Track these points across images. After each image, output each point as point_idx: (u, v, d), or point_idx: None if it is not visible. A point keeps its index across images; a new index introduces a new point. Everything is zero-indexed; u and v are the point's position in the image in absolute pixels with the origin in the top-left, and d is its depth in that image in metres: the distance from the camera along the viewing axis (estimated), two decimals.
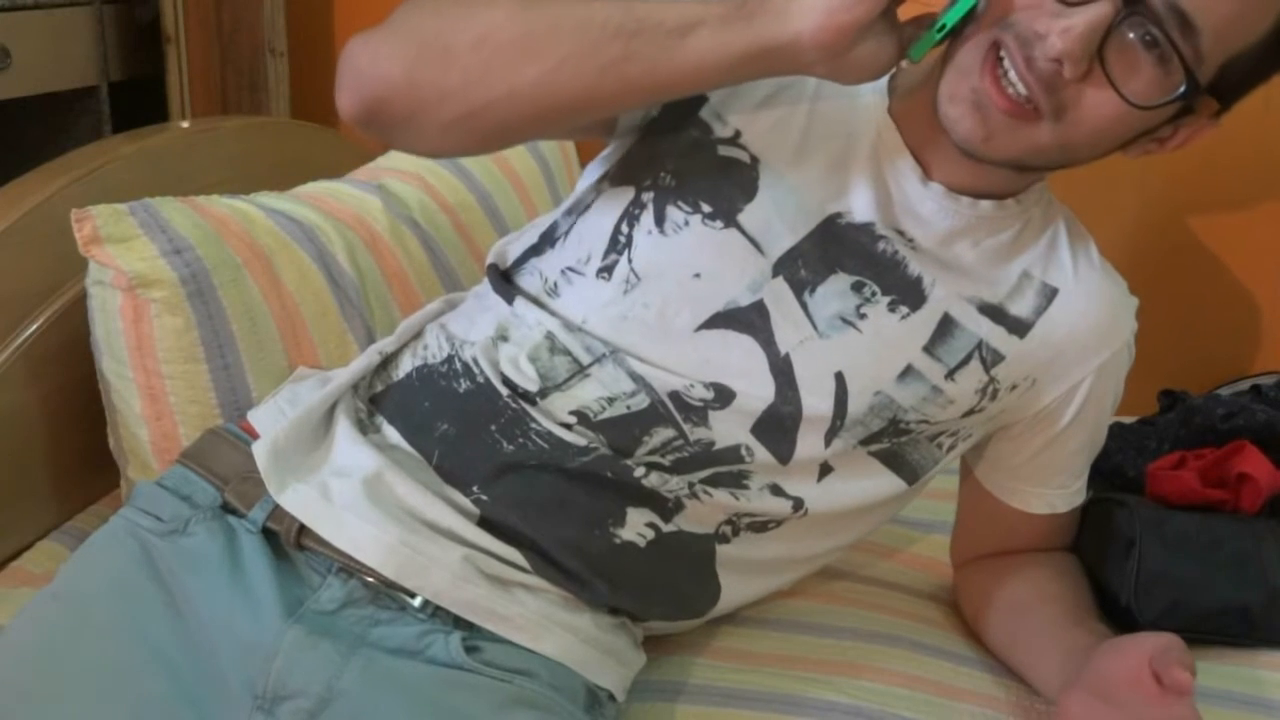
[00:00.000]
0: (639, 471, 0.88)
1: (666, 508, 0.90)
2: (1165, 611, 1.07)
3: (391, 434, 0.93)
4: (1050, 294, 0.95)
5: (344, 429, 0.92)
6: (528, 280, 0.96)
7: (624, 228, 0.91)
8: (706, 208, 0.89)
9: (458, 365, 0.92)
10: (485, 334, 0.93)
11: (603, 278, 0.91)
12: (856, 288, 0.90)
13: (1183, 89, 0.81)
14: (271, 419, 0.96)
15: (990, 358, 0.94)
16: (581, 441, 0.88)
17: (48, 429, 1.19)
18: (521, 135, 0.92)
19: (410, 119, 0.84)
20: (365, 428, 0.93)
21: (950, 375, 0.93)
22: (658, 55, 0.78)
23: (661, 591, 0.95)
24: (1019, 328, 0.94)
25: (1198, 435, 1.30)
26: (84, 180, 1.22)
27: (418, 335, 1.00)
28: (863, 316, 0.90)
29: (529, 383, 0.89)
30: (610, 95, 0.81)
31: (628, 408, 0.88)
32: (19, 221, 1.16)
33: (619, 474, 0.88)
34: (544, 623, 0.88)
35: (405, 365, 0.96)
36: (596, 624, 0.92)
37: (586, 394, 0.89)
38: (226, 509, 0.91)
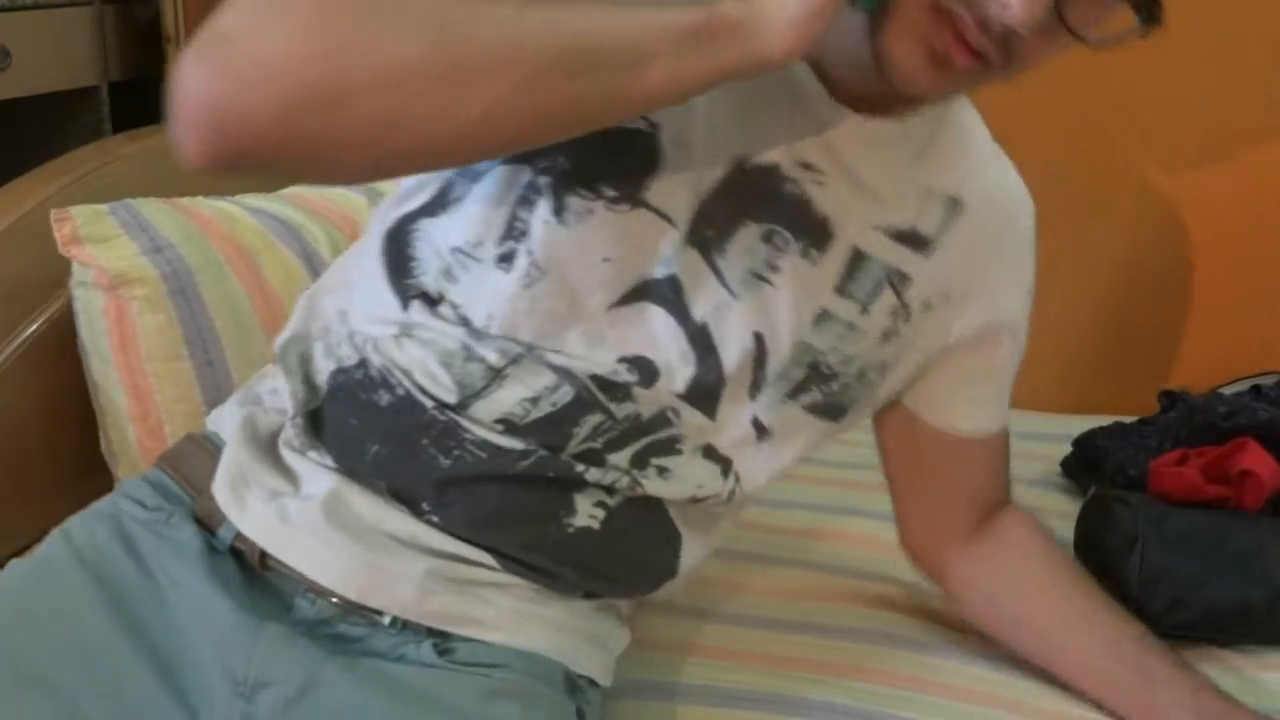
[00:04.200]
0: (579, 468, 0.86)
1: (612, 490, 0.89)
2: (1167, 609, 1.07)
3: (330, 461, 0.90)
4: (953, 205, 0.92)
5: (290, 456, 0.90)
6: (422, 253, 0.87)
7: (519, 213, 0.84)
8: (610, 191, 0.84)
9: (373, 373, 0.87)
10: (386, 331, 0.87)
11: (502, 268, 0.85)
12: (766, 238, 0.86)
13: (1141, 18, 0.78)
14: (231, 423, 0.93)
15: (899, 281, 0.91)
16: (519, 445, 0.86)
17: (47, 428, 1.19)
18: (463, 164, 0.84)
19: (295, 171, 0.76)
20: (307, 449, 0.90)
21: (865, 310, 0.90)
22: (610, 94, 0.69)
23: (629, 564, 0.93)
24: (925, 245, 0.92)
25: (1199, 433, 1.30)
26: (84, 180, 1.22)
27: (316, 317, 0.93)
28: (775, 269, 0.87)
29: (447, 393, 0.85)
30: (551, 135, 0.74)
31: (553, 405, 0.85)
32: (19, 221, 1.16)
33: (561, 471, 0.86)
34: (517, 619, 0.87)
35: (322, 367, 0.90)
36: (572, 611, 0.91)
37: (508, 398, 0.85)
38: (199, 521, 0.90)
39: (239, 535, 0.87)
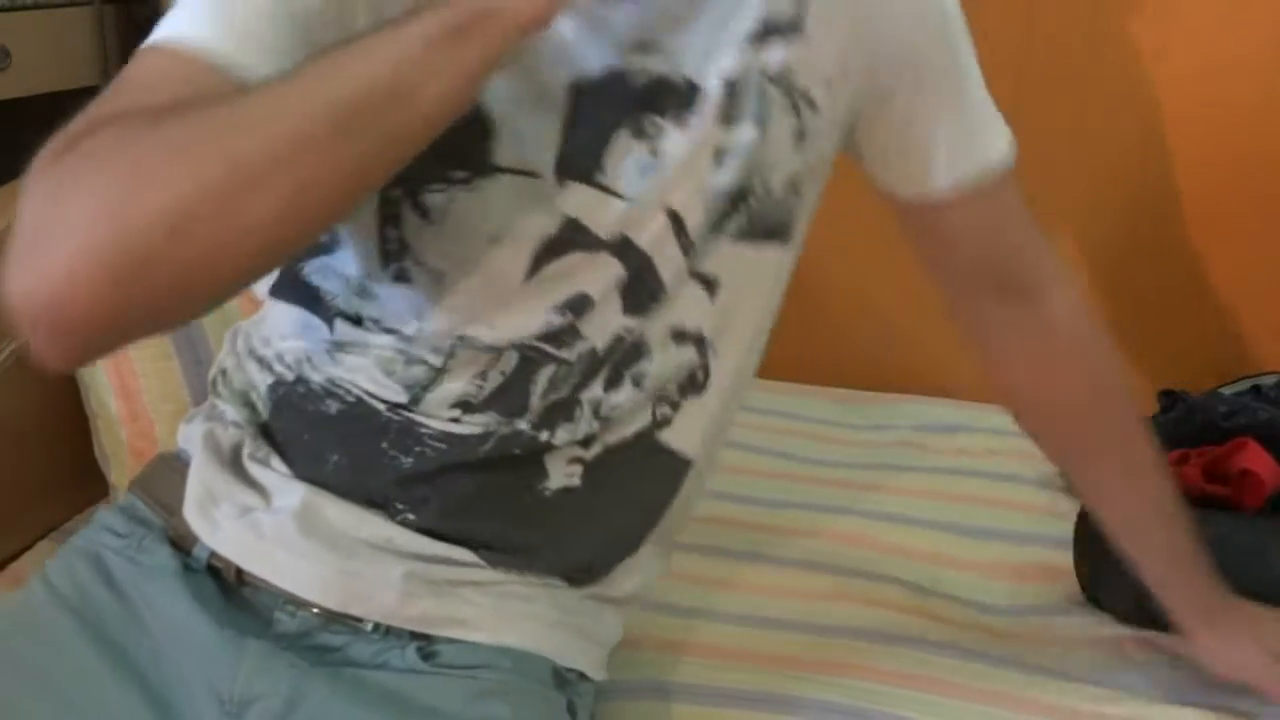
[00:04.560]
0: (544, 435, 0.85)
1: (587, 442, 0.87)
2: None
3: (292, 472, 0.89)
4: None
5: (255, 469, 0.89)
6: (325, 282, 0.87)
7: (388, 233, 0.82)
8: (459, 174, 0.80)
9: (315, 387, 0.87)
10: (318, 348, 0.86)
11: (402, 284, 0.83)
12: (638, 134, 0.83)
13: None
14: (195, 439, 0.92)
15: (781, 78, 0.85)
16: (478, 430, 0.85)
17: (44, 432, 1.19)
18: (298, 253, 0.79)
19: (156, 332, 0.74)
20: (269, 458, 0.89)
21: (761, 125, 0.85)
22: (398, 131, 0.67)
23: (619, 511, 0.91)
24: (791, 27, 0.84)
25: (1199, 433, 1.30)
26: None
27: (242, 343, 0.93)
28: (659, 154, 0.83)
29: (397, 394, 0.84)
30: (365, 191, 0.71)
31: (502, 374, 0.84)
32: None
33: (526, 446, 0.85)
34: (500, 616, 0.87)
35: (259, 381, 0.90)
36: (557, 605, 0.90)
37: (457, 385, 0.84)
38: (173, 543, 0.89)
39: (214, 554, 0.87)
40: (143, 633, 0.85)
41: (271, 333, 0.90)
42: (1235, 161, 1.66)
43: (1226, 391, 1.51)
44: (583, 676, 0.91)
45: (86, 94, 0.74)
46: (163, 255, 0.62)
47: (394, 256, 0.82)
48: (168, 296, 0.64)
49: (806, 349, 1.81)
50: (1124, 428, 1.01)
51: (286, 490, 0.87)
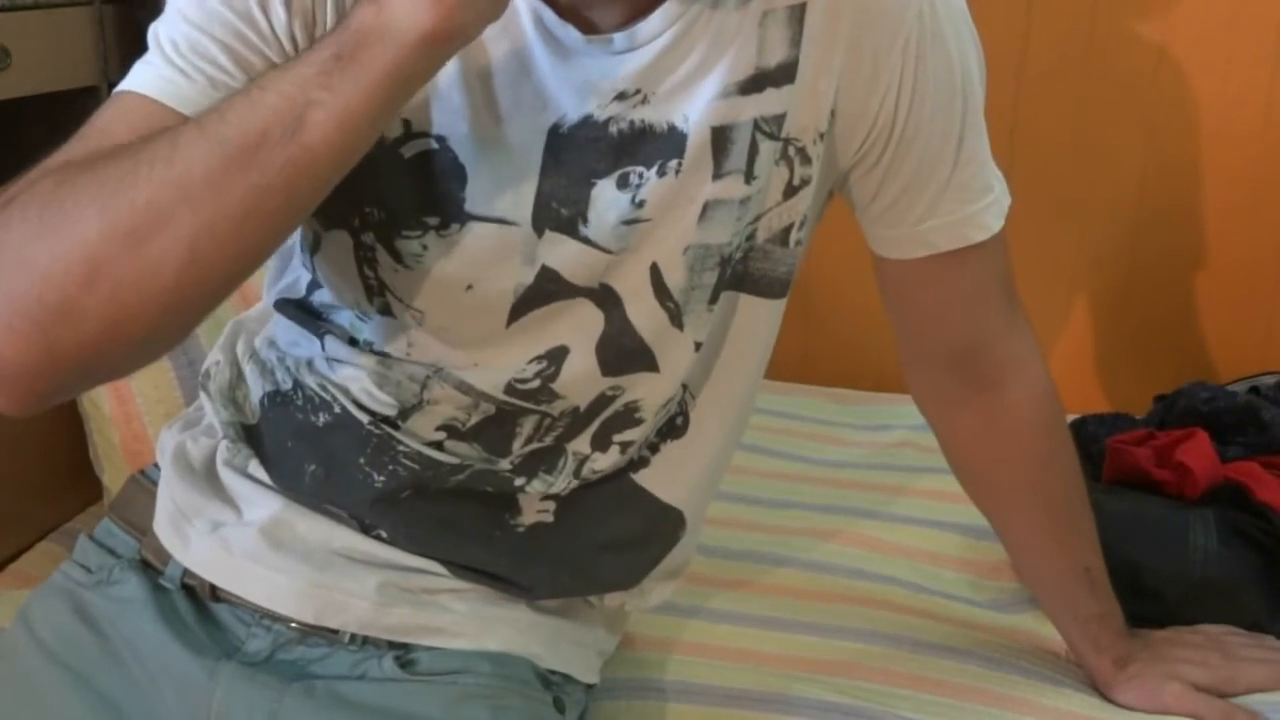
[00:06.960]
0: (519, 480, 0.85)
1: (557, 474, 0.86)
2: None
3: (270, 479, 0.89)
4: (798, 13, 0.79)
5: (229, 477, 0.89)
6: (323, 312, 0.87)
7: (367, 273, 0.82)
8: (433, 220, 0.79)
9: (309, 394, 0.87)
10: (318, 355, 0.87)
11: (389, 315, 0.83)
12: (621, 183, 0.79)
13: None
14: (167, 450, 0.92)
15: (772, 127, 0.80)
16: (454, 460, 0.84)
17: (44, 430, 1.19)
18: (224, 296, 0.74)
19: (84, 383, 0.75)
20: (248, 462, 0.89)
21: (748, 179, 0.80)
22: (292, 167, 0.65)
23: (600, 551, 0.90)
24: (783, 74, 0.79)
25: (1180, 419, 1.31)
26: None
27: (243, 342, 0.93)
28: (642, 204, 0.79)
29: (387, 408, 0.84)
30: (276, 230, 0.68)
31: (484, 414, 0.84)
32: None
33: (499, 486, 0.85)
34: (478, 622, 0.87)
35: (255, 389, 0.90)
36: (536, 609, 0.90)
37: (447, 409, 0.84)
38: (146, 564, 0.89)
39: (187, 571, 0.87)
40: (123, 671, 0.85)
41: (276, 336, 0.90)
42: (1236, 162, 1.66)
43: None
44: (569, 678, 0.91)
45: (86, 94, 0.75)
46: (81, 304, 0.64)
47: (378, 293, 0.82)
48: (98, 343, 0.65)
49: (806, 349, 1.82)
50: (1069, 508, 1.01)
51: (258, 502, 0.87)
